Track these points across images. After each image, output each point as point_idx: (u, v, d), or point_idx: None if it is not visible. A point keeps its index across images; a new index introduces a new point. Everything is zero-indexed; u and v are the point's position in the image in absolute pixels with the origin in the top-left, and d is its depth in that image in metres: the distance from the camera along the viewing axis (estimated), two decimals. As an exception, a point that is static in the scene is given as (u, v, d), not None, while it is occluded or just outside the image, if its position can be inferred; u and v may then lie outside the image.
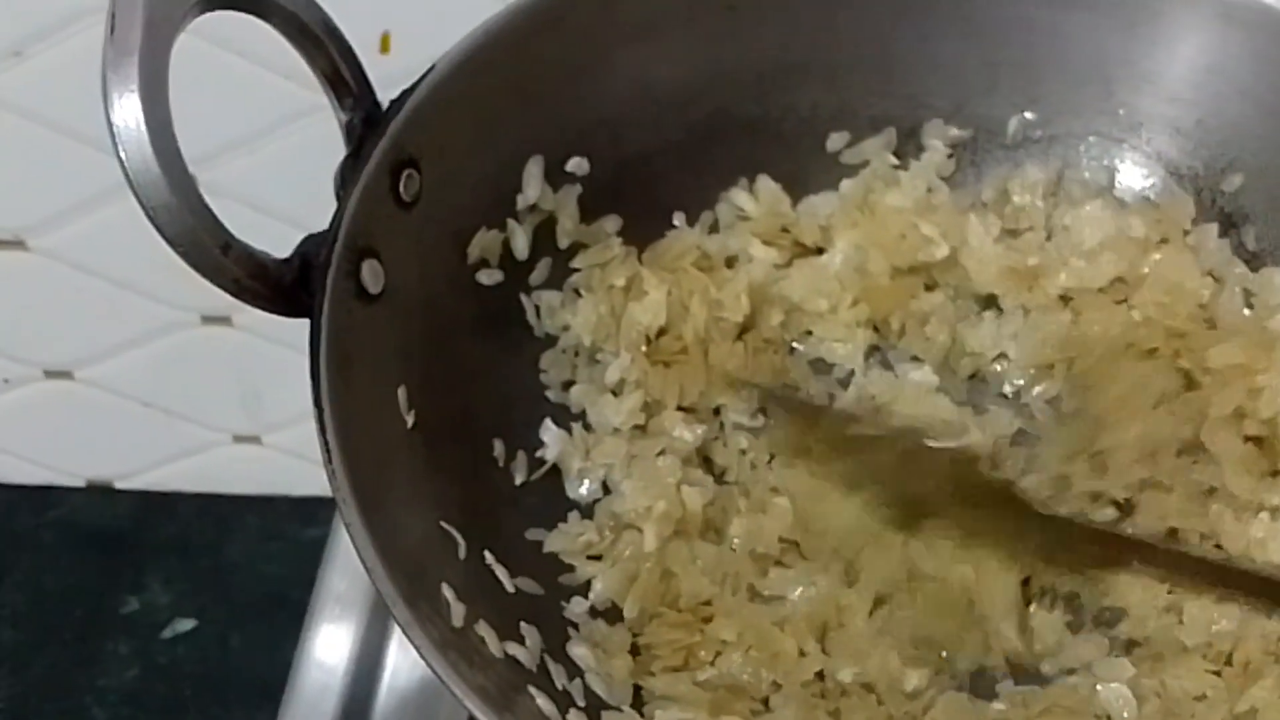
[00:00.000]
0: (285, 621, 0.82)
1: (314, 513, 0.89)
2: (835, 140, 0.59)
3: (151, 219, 0.41)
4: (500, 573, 0.48)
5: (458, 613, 0.43)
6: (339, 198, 0.47)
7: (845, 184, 0.58)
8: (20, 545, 0.90)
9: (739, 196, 0.58)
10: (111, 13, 0.41)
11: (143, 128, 0.40)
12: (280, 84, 0.67)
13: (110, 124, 0.40)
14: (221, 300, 0.43)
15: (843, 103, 0.58)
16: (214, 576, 0.88)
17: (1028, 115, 0.58)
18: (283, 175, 0.71)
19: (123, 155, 0.40)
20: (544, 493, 0.53)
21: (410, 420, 0.47)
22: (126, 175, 0.41)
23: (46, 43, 0.68)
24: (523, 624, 0.47)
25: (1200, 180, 0.56)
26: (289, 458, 0.89)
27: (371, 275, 0.46)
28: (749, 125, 0.58)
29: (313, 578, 0.68)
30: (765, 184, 0.58)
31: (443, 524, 0.46)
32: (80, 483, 0.91)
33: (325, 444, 0.42)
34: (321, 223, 0.47)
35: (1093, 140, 0.57)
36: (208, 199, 0.42)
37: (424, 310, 0.49)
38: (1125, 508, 0.52)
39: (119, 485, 0.91)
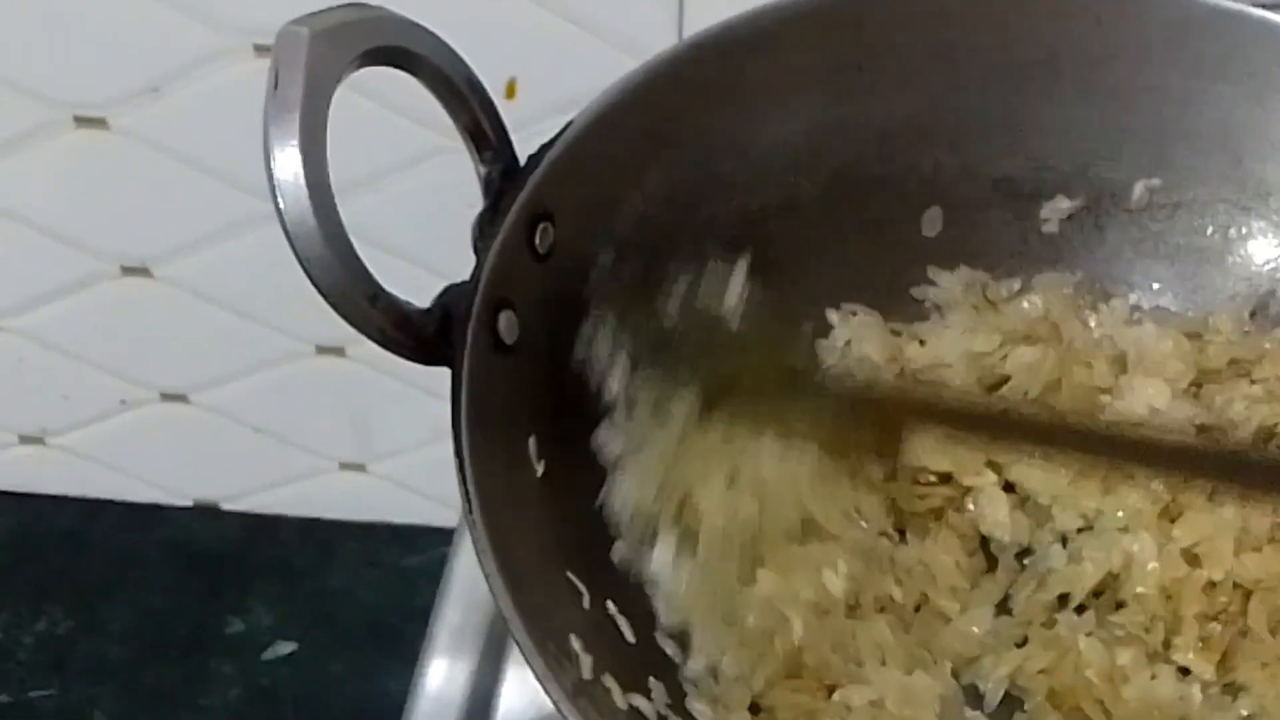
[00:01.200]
0: (384, 649, 0.84)
1: (413, 541, 0.91)
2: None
3: (306, 269, 0.42)
4: (623, 624, 0.49)
5: (586, 663, 0.44)
6: (477, 249, 0.48)
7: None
8: (129, 562, 0.92)
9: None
10: (274, 69, 0.42)
11: (301, 182, 0.41)
12: (409, 127, 0.69)
13: (271, 177, 0.42)
14: (336, 331, 0.44)
15: (965, 163, 0.59)
16: (315, 601, 0.90)
17: (1154, 181, 0.57)
18: (410, 217, 0.73)
19: (281, 207, 0.42)
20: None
21: (540, 469, 0.48)
22: (284, 227, 0.42)
23: (181, 81, 0.71)
24: (650, 678, 0.47)
25: (1326, 255, 0.56)
26: (392, 486, 0.91)
27: (507, 327, 0.47)
28: (870, 184, 0.59)
29: (412, 605, 0.69)
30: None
31: (569, 574, 0.47)
32: (188, 503, 0.94)
33: (466, 493, 0.42)
34: (439, 262, 0.49)
35: (1220, 208, 0.57)
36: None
37: (552, 361, 0.50)
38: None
39: (226, 507, 0.94)
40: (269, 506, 0.93)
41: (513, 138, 0.50)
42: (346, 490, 0.91)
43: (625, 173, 0.53)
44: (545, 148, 0.50)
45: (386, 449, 0.88)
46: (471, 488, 0.42)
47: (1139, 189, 0.58)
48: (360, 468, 0.90)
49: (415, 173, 0.72)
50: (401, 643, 0.67)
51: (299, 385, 0.85)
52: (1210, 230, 0.58)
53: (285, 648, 0.88)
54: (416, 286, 0.47)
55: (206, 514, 0.93)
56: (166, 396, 0.87)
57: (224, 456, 0.90)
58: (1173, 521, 0.52)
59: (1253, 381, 0.55)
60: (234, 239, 0.77)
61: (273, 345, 0.82)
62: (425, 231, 0.70)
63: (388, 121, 0.69)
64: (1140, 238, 0.58)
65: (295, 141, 0.41)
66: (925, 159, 0.58)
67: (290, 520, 0.93)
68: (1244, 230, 0.57)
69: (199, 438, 0.89)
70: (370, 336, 0.44)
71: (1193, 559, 0.52)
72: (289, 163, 0.41)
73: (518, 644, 0.40)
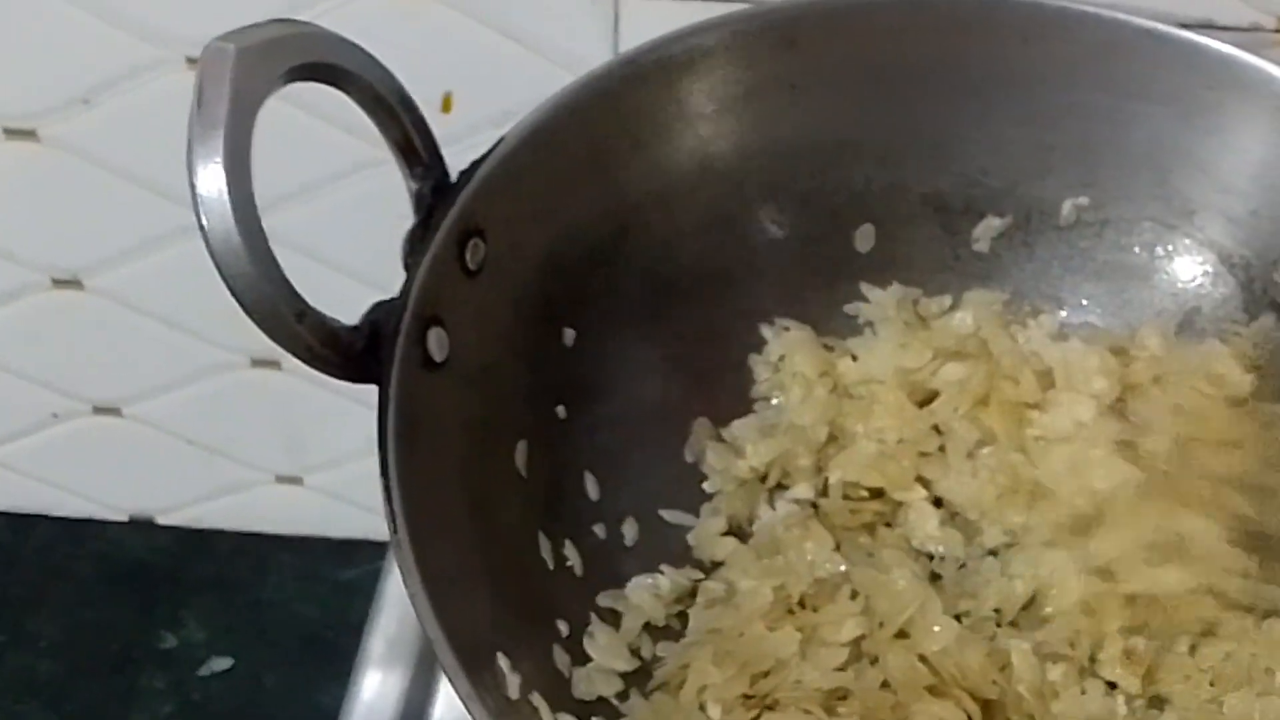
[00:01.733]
0: (320, 663, 0.83)
1: (350, 554, 0.90)
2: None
3: (230, 286, 0.42)
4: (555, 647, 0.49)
5: (513, 683, 0.44)
6: (407, 266, 0.48)
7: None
8: (60, 577, 0.91)
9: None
10: (199, 86, 0.41)
11: (225, 198, 0.41)
12: (339, 138, 0.68)
13: (194, 193, 0.41)
14: (271, 344, 0.43)
15: (896, 179, 0.59)
16: (251, 615, 0.89)
17: (1082, 199, 0.58)
18: (339, 228, 0.73)
19: (205, 224, 0.41)
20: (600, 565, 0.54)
21: (470, 487, 0.48)
22: (208, 244, 0.41)
23: (112, 92, 0.70)
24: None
25: (1252, 269, 0.57)
26: (329, 499, 0.90)
27: (437, 343, 0.47)
28: (802, 199, 0.59)
29: (349, 619, 0.68)
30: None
31: (499, 593, 0.47)
32: (123, 517, 0.93)
33: (391, 512, 0.42)
34: (376, 275, 0.48)
35: (1147, 226, 0.58)
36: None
37: (483, 379, 0.50)
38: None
39: (160, 520, 0.92)
40: (204, 520, 0.92)
41: (449, 151, 0.50)
42: (282, 503, 0.90)
43: (557, 188, 0.53)
44: (477, 163, 0.50)
45: (322, 461, 0.88)
46: (398, 507, 0.42)
47: (1067, 207, 0.58)
48: (296, 480, 0.89)
49: (351, 184, 0.71)
50: (338, 657, 0.66)
51: (233, 398, 0.84)
52: (1137, 248, 0.58)
53: (220, 663, 0.87)
54: (354, 300, 0.47)
55: (140, 528, 0.92)
56: (99, 409, 0.86)
57: (158, 470, 0.89)
58: (1089, 536, 0.53)
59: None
60: (166, 250, 0.76)
61: (207, 357, 0.82)
62: (363, 244, 0.70)
63: (323, 134, 0.68)
64: (1069, 255, 0.59)
65: (219, 158, 0.41)
66: (857, 176, 0.59)
67: (225, 534, 0.92)
68: (1170, 248, 0.58)
69: (132, 451, 0.88)
70: (296, 354, 0.44)
71: (1108, 575, 0.52)
72: (213, 180, 0.41)
73: (442, 664, 0.40)
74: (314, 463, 0.88)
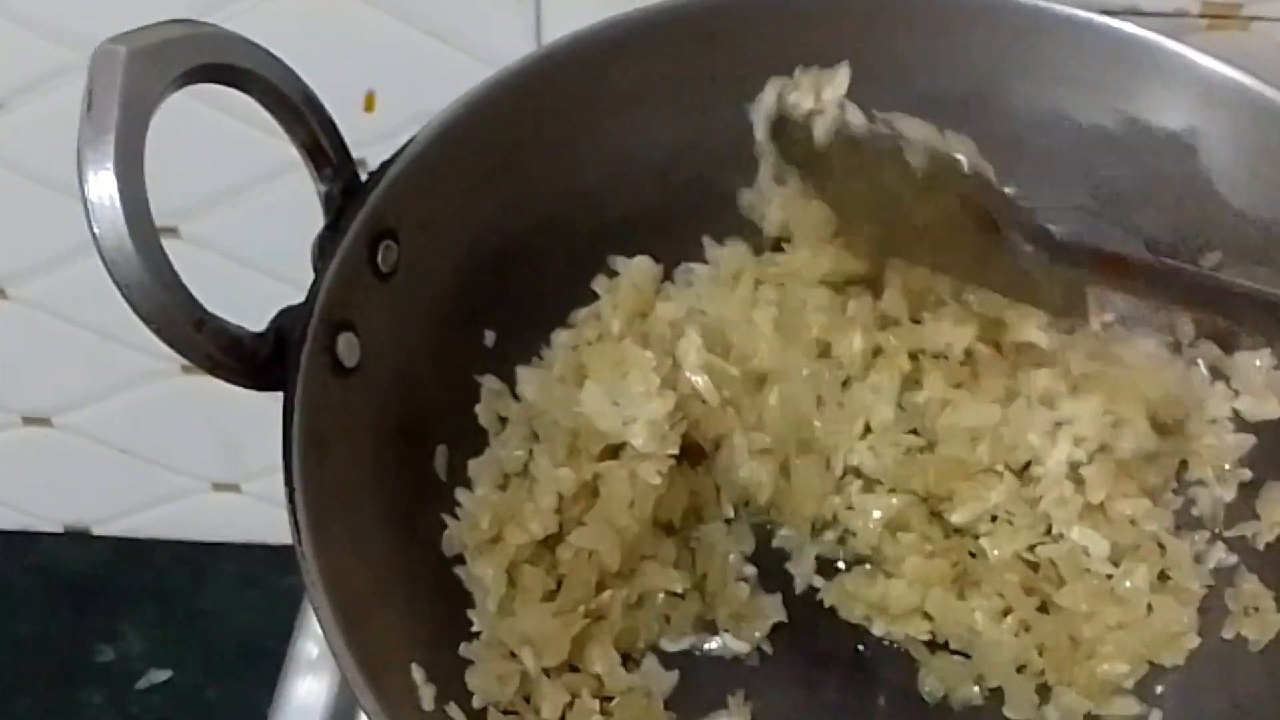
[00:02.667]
0: (261, 672, 0.82)
1: (290, 561, 0.88)
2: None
3: (124, 295, 0.41)
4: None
5: (427, 695, 0.43)
6: (316, 269, 0.47)
7: None
8: (-5, 590, 0.89)
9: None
10: (89, 89, 0.41)
11: (117, 205, 0.40)
12: (261, 138, 0.67)
13: (85, 200, 0.40)
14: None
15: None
16: (190, 625, 0.88)
17: (1007, 189, 0.57)
18: (264, 230, 0.71)
19: (96, 231, 0.41)
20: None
21: (382, 497, 0.47)
22: (100, 251, 0.41)
23: (29, 96, 0.69)
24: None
25: (1179, 254, 0.56)
26: (267, 505, 0.89)
27: (347, 348, 0.46)
28: (729, 193, 0.58)
29: (289, 627, 0.67)
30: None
31: (412, 603, 0.46)
32: (58, 528, 0.91)
33: (295, 524, 0.41)
34: (295, 276, 0.47)
35: (1072, 213, 0.57)
36: (189, 251, 0.42)
37: (399, 384, 0.49)
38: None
39: (96, 531, 0.91)
40: (141, 530, 0.90)
41: (372, 151, 0.49)
42: (220, 511, 0.89)
43: (474, 187, 0.52)
44: (387, 164, 0.49)
45: (260, 468, 0.87)
46: (302, 518, 0.42)
47: (993, 195, 0.58)
48: (234, 488, 0.88)
49: (274, 186, 0.70)
50: (279, 665, 0.65)
51: (166, 405, 0.82)
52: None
53: (159, 675, 0.86)
54: (280, 303, 0.46)
55: (76, 539, 0.91)
56: (29, 420, 0.85)
57: (92, 480, 0.88)
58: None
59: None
60: (91, 257, 0.74)
61: (136, 364, 0.80)
62: (288, 246, 0.68)
63: (242, 134, 0.67)
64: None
65: (110, 164, 0.40)
66: (779, 170, 0.58)
67: (163, 543, 0.90)
68: (1096, 236, 0.57)
69: (65, 461, 0.86)
70: (197, 363, 0.43)
71: None
72: (104, 186, 0.40)
73: (347, 678, 0.39)
74: (251, 469, 0.87)
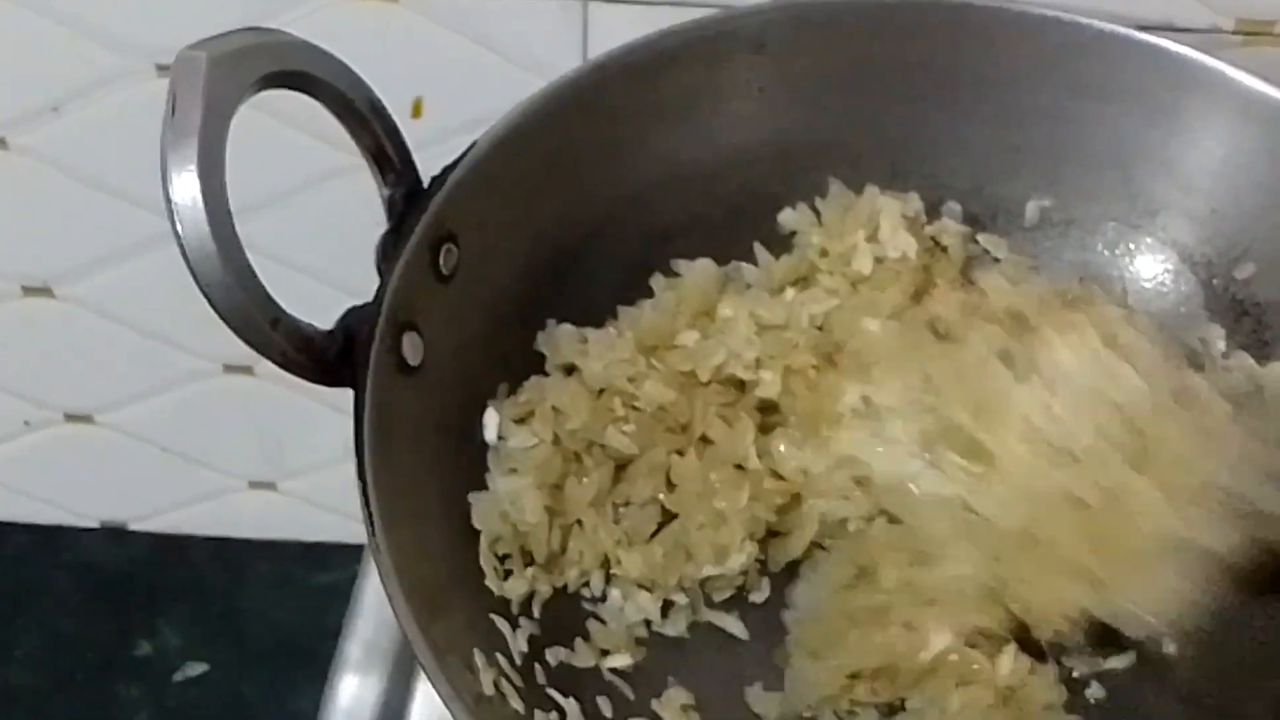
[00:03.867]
0: (297, 668, 0.83)
1: (325, 558, 0.90)
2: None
3: (205, 293, 0.42)
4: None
5: (487, 679, 0.45)
6: (380, 271, 0.48)
7: None
8: (35, 587, 0.90)
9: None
10: (172, 93, 0.42)
11: (199, 205, 0.41)
12: (318, 146, 0.68)
13: (169, 201, 0.42)
14: (243, 350, 0.44)
15: (865, 179, 0.60)
16: (225, 621, 0.89)
17: (1046, 201, 0.59)
18: (320, 235, 0.73)
19: (180, 232, 0.42)
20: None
21: (443, 491, 0.49)
22: (183, 251, 0.42)
23: (81, 100, 0.70)
24: (553, 692, 0.48)
25: (1214, 267, 0.58)
26: (303, 504, 0.90)
27: (411, 348, 0.48)
28: (772, 201, 0.60)
29: (325, 624, 0.68)
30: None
31: (473, 592, 0.48)
32: (96, 524, 0.92)
33: (369, 516, 0.43)
34: (356, 283, 0.49)
35: (1110, 225, 0.59)
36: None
37: (458, 382, 0.51)
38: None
39: (134, 528, 0.92)
40: (178, 526, 0.92)
41: (419, 157, 0.50)
42: (256, 509, 0.90)
43: (530, 193, 0.53)
44: (448, 169, 0.50)
45: (296, 466, 0.88)
46: (375, 510, 0.43)
47: (1032, 207, 0.59)
48: (270, 486, 0.89)
49: (325, 190, 0.72)
50: (314, 662, 0.66)
51: (207, 404, 0.84)
52: (1101, 247, 0.59)
53: (195, 669, 0.87)
54: (329, 306, 0.47)
55: (114, 535, 0.92)
56: (71, 417, 0.86)
57: (131, 477, 0.89)
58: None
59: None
60: (137, 258, 0.76)
61: (179, 364, 0.82)
62: (338, 251, 0.70)
63: (296, 140, 0.69)
64: (1034, 254, 0.60)
65: (193, 166, 0.41)
66: (825, 178, 0.59)
67: (200, 540, 0.92)
68: (1133, 247, 0.59)
69: (105, 458, 0.88)
70: (272, 359, 0.44)
71: None
72: (187, 187, 0.41)
73: (423, 667, 0.40)
74: (288, 468, 0.88)
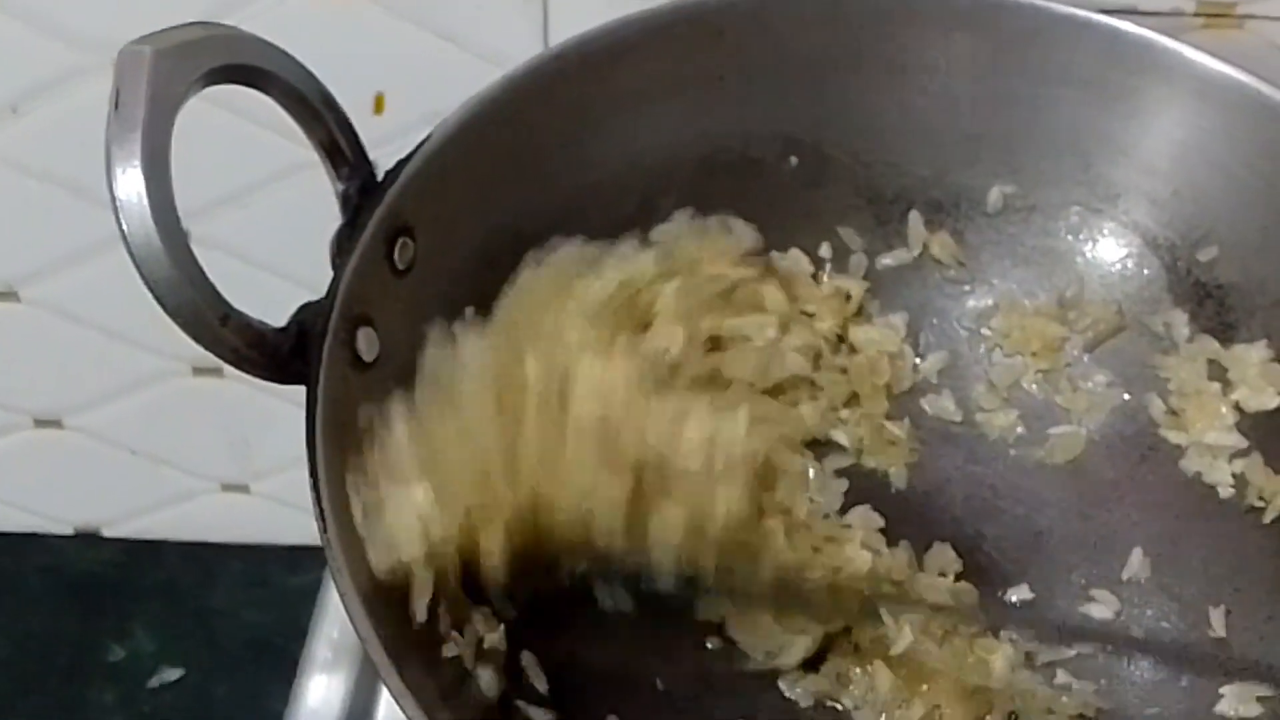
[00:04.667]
0: (271, 671, 0.83)
1: (300, 561, 0.90)
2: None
3: (152, 291, 0.42)
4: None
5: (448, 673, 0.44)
6: (335, 266, 0.48)
7: None
8: (6, 592, 0.90)
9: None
10: (116, 88, 0.41)
11: (145, 202, 0.41)
12: (274, 140, 0.68)
13: (113, 197, 0.41)
14: (212, 352, 0.43)
15: (825, 168, 0.60)
16: (200, 625, 0.89)
17: (1008, 188, 0.59)
18: (276, 230, 0.72)
19: (125, 228, 0.41)
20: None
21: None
22: (128, 248, 0.41)
23: (41, 99, 0.69)
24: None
25: (1176, 250, 0.58)
26: (276, 506, 0.90)
27: (366, 343, 0.47)
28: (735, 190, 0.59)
29: (299, 626, 0.68)
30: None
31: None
32: (67, 529, 0.92)
33: (320, 511, 0.42)
34: (314, 278, 0.48)
35: (1074, 210, 0.59)
36: (200, 252, 0.43)
37: (414, 378, 0.50)
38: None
39: (105, 533, 0.92)
40: (150, 531, 0.91)
41: (382, 152, 0.50)
42: (229, 511, 0.90)
43: (487, 184, 0.53)
44: (403, 162, 0.50)
45: (268, 468, 0.87)
46: (327, 506, 0.42)
47: (994, 194, 0.59)
48: (242, 488, 0.89)
49: (284, 186, 0.71)
50: (289, 664, 0.65)
51: (176, 406, 0.83)
52: (1064, 232, 0.59)
53: (171, 674, 0.87)
54: (287, 303, 0.47)
55: (86, 540, 0.92)
56: (40, 422, 0.85)
57: (102, 481, 0.89)
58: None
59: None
60: (102, 258, 0.76)
61: (147, 366, 0.81)
62: (295, 247, 0.69)
63: (255, 135, 0.68)
64: (997, 240, 0.60)
65: (137, 162, 0.41)
66: (785, 163, 0.59)
67: (172, 544, 0.91)
68: (1096, 232, 0.59)
69: (76, 463, 0.87)
70: (223, 357, 0.44)
71: None
72: (131, 183, 0.41)
73: (375, 662, 0.40)
74: (260, 469, 0.88)
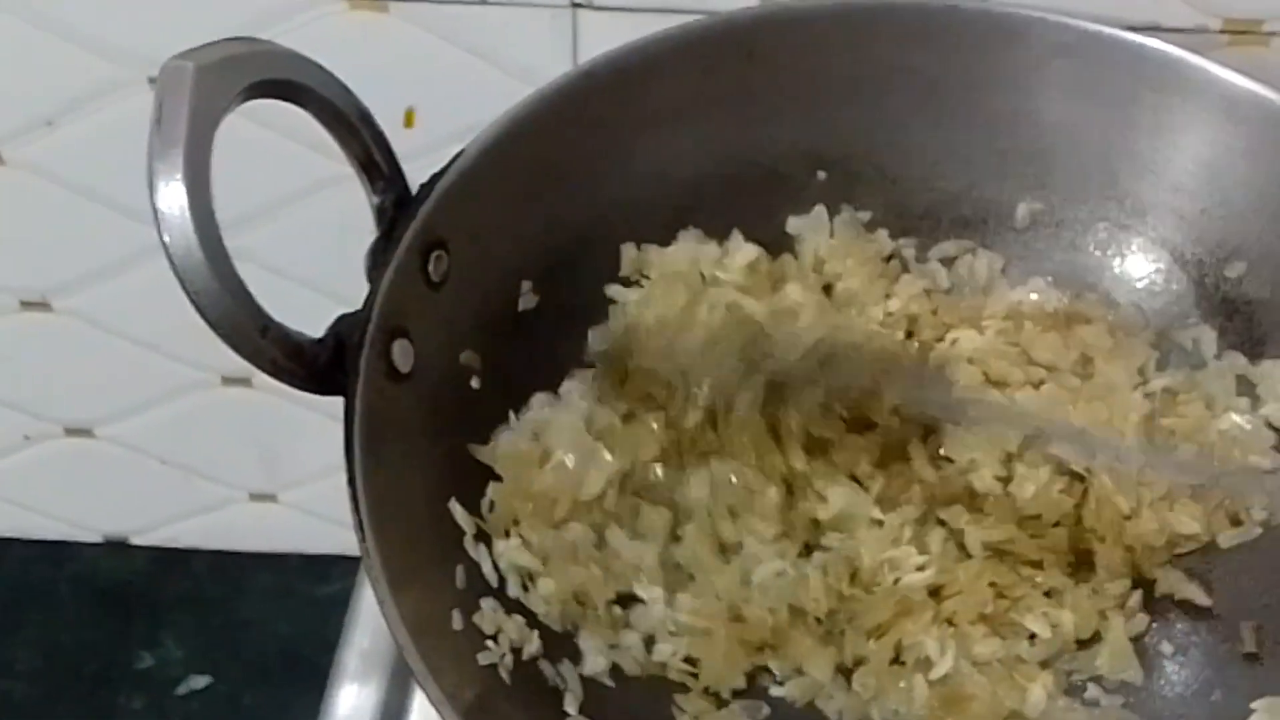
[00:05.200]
0: (298, 679, 0.83)
1: (326, 570, 0.90)
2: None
3: (194, 302, 0.42)
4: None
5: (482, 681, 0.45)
6: (370, 278, 0.48)
7: None
8: (36, 600, 0.90)
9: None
10: (158, 103, 0.42)
11: (187, 215, 0.42)
12: (307, 155, 0.69)
13: (155, 211, 0.42)
14: (241, 362, 0.44)
15: (855, 186, 0.60)
16: (227, 633, 0.89)
17: (1036, 204, 0.59)
18: (310, 244, 0.73)
19: (167, 241, 0.42)
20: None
21: (437, 498, 0.49)
22: (171, 260, 0.42)
23: (76, 113, 0.70)
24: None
25: (1204, 266, 0.58)
26: (304, 515, 0.90)
27: (402, 354, 0.48)
28: (764, 208, 0.60)
29: (325, 635, 0.68)
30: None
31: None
32: (97, 538, 0.93)
33: (359, 522, 0.43)
34: (347, 292, 0.49)
35: (1101, 226, 0.59)
36: (236, 265, 0.43)
37: (451, 388, 0.51)
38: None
39: (135, 541, 0.93)
40: (179, 540, 0.92)
41: (412, 167, 0.51)
42: (257, 521, 0.90)
43: (519, 199, 0.54)
44: (437, 176, 0.51)
45: (296, 478, 0.88)
46: (365, 516, 0.43)
47: (1022, 209, 0.59)
48: (271, 498, 0.90)
49: (316, 200, 0.72)
50: (316, 673, 0.66)
51: (205, 416, 0.84)
52: (1092, 248, 0.59)
53: (199, 682, 0.87)
54: (320, 315, 0.48)
55: (115, 549, 0.92)
56: (71, 431, 0.86)
57: (132, 490, 0.89)
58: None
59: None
60: (134, 270, 0.77)
61: (177, 376, 0.82)
62: (329, 260, 0.70)
63: (287, 150, 0.69)
64: (1025, 256, 0.60)
65: (179, 175, 0.41)
66: (814, 182, 0.59)
67: (201, 553, 0.92)
68: (1123, 247, 0.59)
69: (106, 472, 0.88)
70: (262, 368, 0.44)
71: None
72: (174, 197, 0.42)
73: (413, 670, 0.40)
74: (288, 479, 0.88)
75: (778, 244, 0.60)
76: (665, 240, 0.58)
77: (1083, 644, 0.54)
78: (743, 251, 0.58)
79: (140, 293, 0.78)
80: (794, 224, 0.60)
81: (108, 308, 0.79)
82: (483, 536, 0.50)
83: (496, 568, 0.50)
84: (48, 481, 0.90)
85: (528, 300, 0.55)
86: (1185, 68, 0.56)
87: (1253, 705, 0.51)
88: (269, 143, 0.68)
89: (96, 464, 0.88)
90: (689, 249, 0.58)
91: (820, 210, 0.60)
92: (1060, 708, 0.52)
